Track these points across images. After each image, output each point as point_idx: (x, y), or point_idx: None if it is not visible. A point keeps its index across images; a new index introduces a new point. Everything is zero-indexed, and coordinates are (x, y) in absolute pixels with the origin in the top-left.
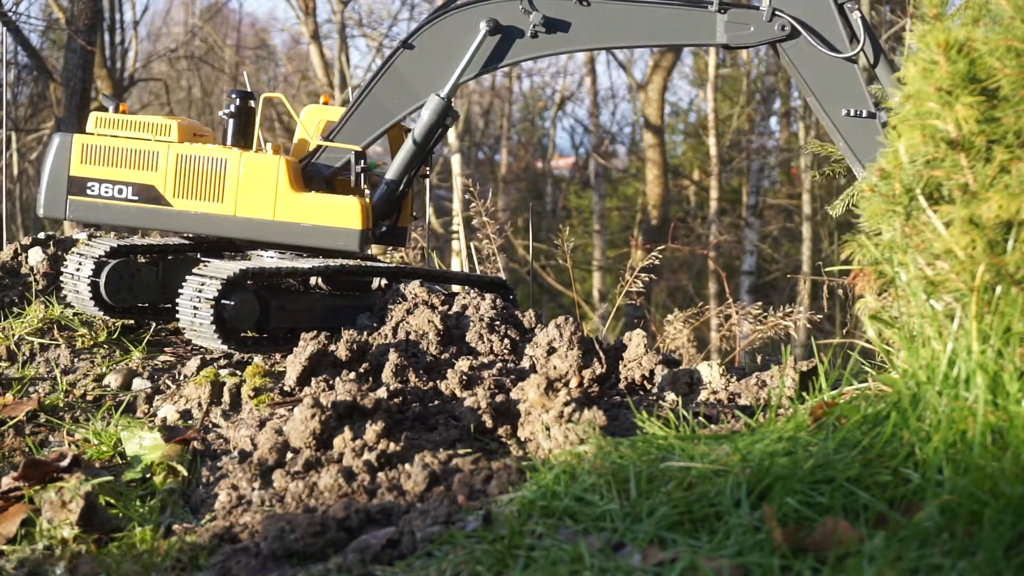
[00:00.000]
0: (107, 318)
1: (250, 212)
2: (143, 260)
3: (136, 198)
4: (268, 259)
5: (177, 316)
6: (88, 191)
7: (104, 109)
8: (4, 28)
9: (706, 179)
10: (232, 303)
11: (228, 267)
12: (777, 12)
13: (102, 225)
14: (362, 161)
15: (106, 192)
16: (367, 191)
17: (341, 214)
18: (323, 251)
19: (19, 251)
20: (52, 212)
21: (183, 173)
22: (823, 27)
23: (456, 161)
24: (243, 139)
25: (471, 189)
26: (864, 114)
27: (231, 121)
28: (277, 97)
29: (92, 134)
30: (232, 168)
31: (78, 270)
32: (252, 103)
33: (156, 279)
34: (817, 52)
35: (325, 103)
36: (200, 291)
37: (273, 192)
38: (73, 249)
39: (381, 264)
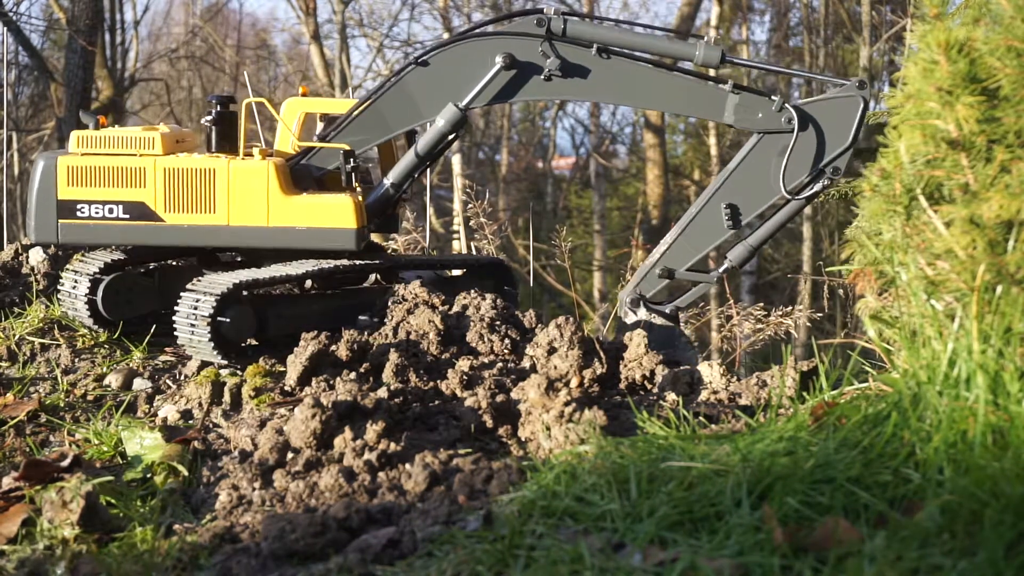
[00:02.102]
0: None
1: (243, 220)
2: (139, 271)
3: (127, 216)
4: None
5: (175, 331)
6: (78, 213)
7: (84, 127)
8: (5, 28)
9: (706, 179)
10: (228, 319)
11: (221, 281)
12: (787, 106)
13: (96, 245)
14: (351, 160)
15: (96, 213)
16: (359, 188)
17: (335, 214)
18: (320, 252)
19: (20, 251)
20: (43, 237)
21: (172, 186)
22: (805, 157)
23: (456, 161)
24: (228, 144)
25: (468, 190)
26: (728, 223)
27: (214, 128)
28: (259, 101)
29: (75, 154)
30: (221, 177)
31: (74, 288)
32: (233, 107)
33: (153, 288)
34: (779, 158)
35: (303, 94)
36: (195, 308)
37: (265, 198)
38: (67, 266)
39: (375, 261)
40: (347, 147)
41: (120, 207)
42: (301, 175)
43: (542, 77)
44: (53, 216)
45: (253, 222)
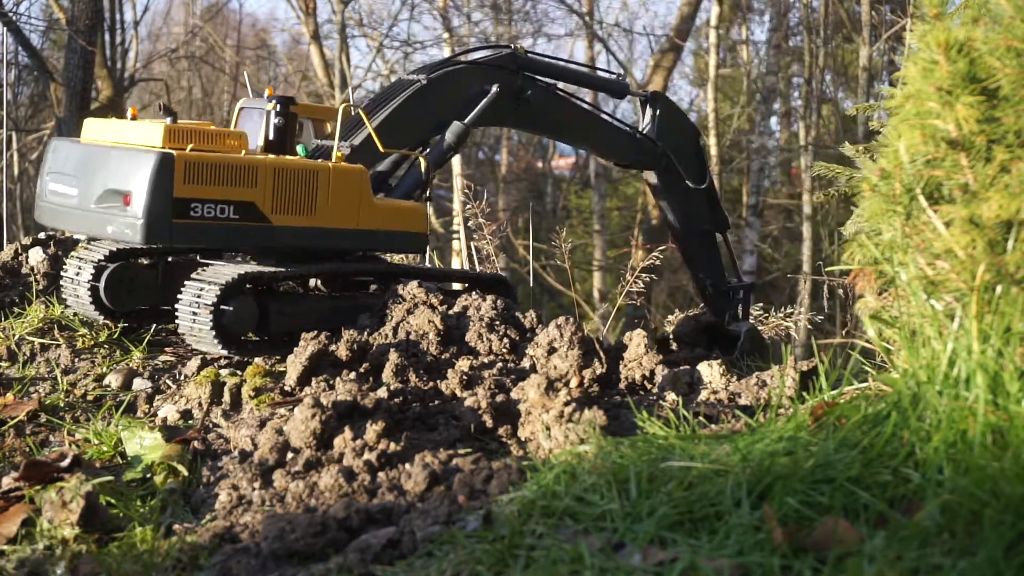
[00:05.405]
0: (107, 321)
1: (338, 222)
2: (143, 263)
3: (237, 217)
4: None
5: (176, 320)
6: (192, 213)
7: (173, 116)
8: (4, 28)
9: None
10: (231, 308)
11: (226, 272)
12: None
13: (207, 247)
14: (431, 173)
15: (209, 212)
16: (428, 196)
17: (410, 219)
18: (391, 254)
19: (19, 251)
20: (155, 239)
21: (280, 187)
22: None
23: (456, 161)
24: (288, 147)
25: (467, 190)
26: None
27: (274, 129)
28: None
29: (183, 149)
30: (323, 179)
31: (78, 274)
32: (293, 108)
33: (156, 281)
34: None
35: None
36: (199, 296)
37: (358, 201)
38: (72, 253)
39: (380, 265)
40: (425, 161)
41: (231, 207)
42: None
43: (520, 107)
44: (167, 215)
45: (346, 224)
